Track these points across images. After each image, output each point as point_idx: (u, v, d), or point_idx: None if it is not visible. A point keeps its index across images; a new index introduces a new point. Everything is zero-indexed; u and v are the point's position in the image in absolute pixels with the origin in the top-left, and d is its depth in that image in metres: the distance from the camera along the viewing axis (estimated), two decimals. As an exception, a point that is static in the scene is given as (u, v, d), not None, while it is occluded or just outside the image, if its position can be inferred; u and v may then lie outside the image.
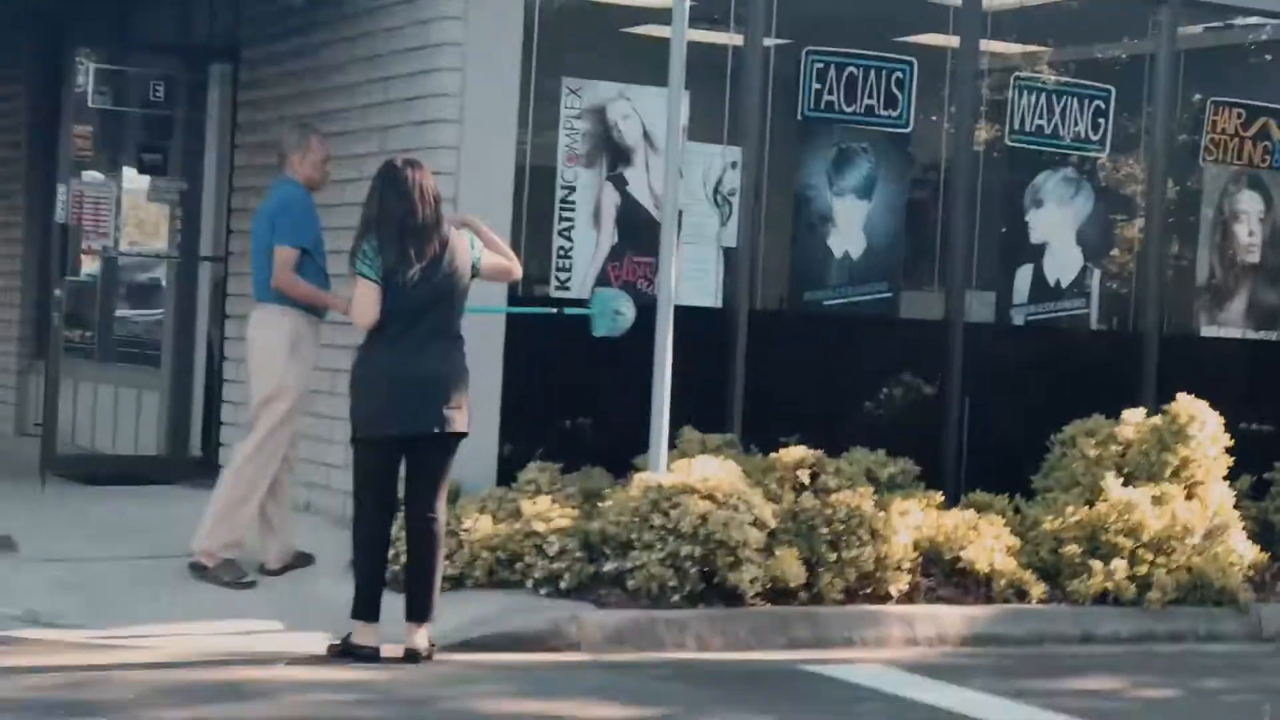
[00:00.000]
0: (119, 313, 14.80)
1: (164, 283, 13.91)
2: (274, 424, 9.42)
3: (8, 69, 15.67)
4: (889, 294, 11.65)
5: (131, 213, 13.78)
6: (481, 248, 8.48)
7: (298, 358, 9.42)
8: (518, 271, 8.83)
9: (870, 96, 11.41)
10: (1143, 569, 10.17)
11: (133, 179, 13.27)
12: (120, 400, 13.78)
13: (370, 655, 8.08)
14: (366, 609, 8.17)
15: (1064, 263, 12.16)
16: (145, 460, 13.22)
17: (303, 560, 9.70)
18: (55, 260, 12.65)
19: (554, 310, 10.04)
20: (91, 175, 13.33)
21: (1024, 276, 12.09)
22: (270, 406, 9.43)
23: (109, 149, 14.05)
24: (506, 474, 10.18)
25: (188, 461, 13.07)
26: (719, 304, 11.12)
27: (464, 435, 8.33)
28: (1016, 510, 10.69)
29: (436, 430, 8.18)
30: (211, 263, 13.15)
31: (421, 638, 8.17)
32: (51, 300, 12.63)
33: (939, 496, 10.42)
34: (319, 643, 8.34)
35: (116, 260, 14.28)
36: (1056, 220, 12.15)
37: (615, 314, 9.58)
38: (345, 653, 8.14)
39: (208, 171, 13.24)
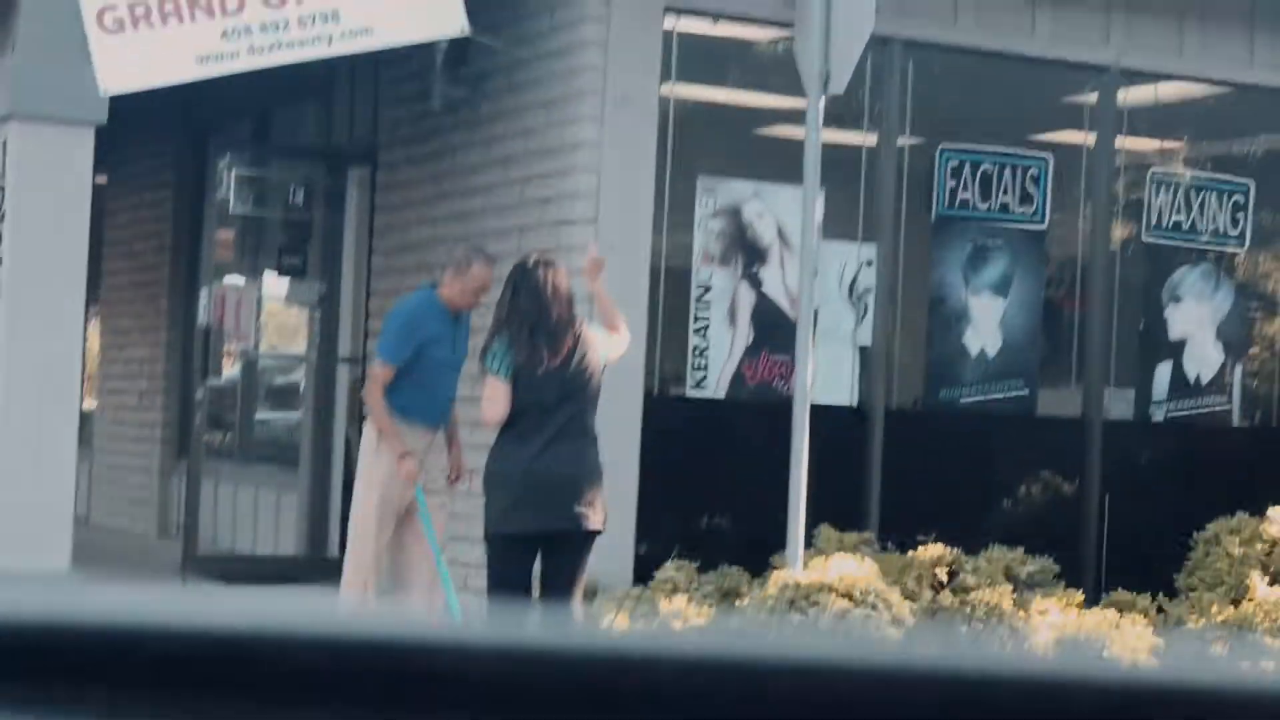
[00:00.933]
0: (259, 414, 14.97)
1: (302, 384, 14.07)
2: (359, 516, 9.15)
3: (156, 175, 15.98)
4: (1026, 392, 11.57)
5: (271, 315, 13.96)
6: (609, 346, 8.46)
7: (381, 458, 9.05)
8: (626, 343, 8.72)
9: (1005, 193, 11.39)
10: (1290, 669, 9.99)
11: (272, 282, 13.45)
12: (260, 501, 13.92)
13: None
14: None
15: (1204, 359, 12.04)
16: (284, 561, 13.33)
17: None
18: (197, 363, 12.83)
19: None
20: (232, 278, 13.54)
21: (1163, 373, 11.99)
22: (356, 502, 9.24)
23: (249, 252, 14.27)
24: (643, 572, 10.17)
25: (326, 562, 13.16)
26: (854, 402, 11.11)
27: (598, 533, 8.29)
28: (1160, 609, 10.55)
29: (570, 528, 8.15)
30: (349, 364, 13.29)
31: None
32: (193, 402, 12.81)
33: (1079, 595, 10.29)
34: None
35: (256, 362, 14.47)
36: (1196, 316, 12.04)
37: None
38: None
39: (345, 274, 13.40)
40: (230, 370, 14.37)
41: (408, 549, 9.25)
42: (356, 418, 12.94)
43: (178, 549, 13.86)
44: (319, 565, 13.12)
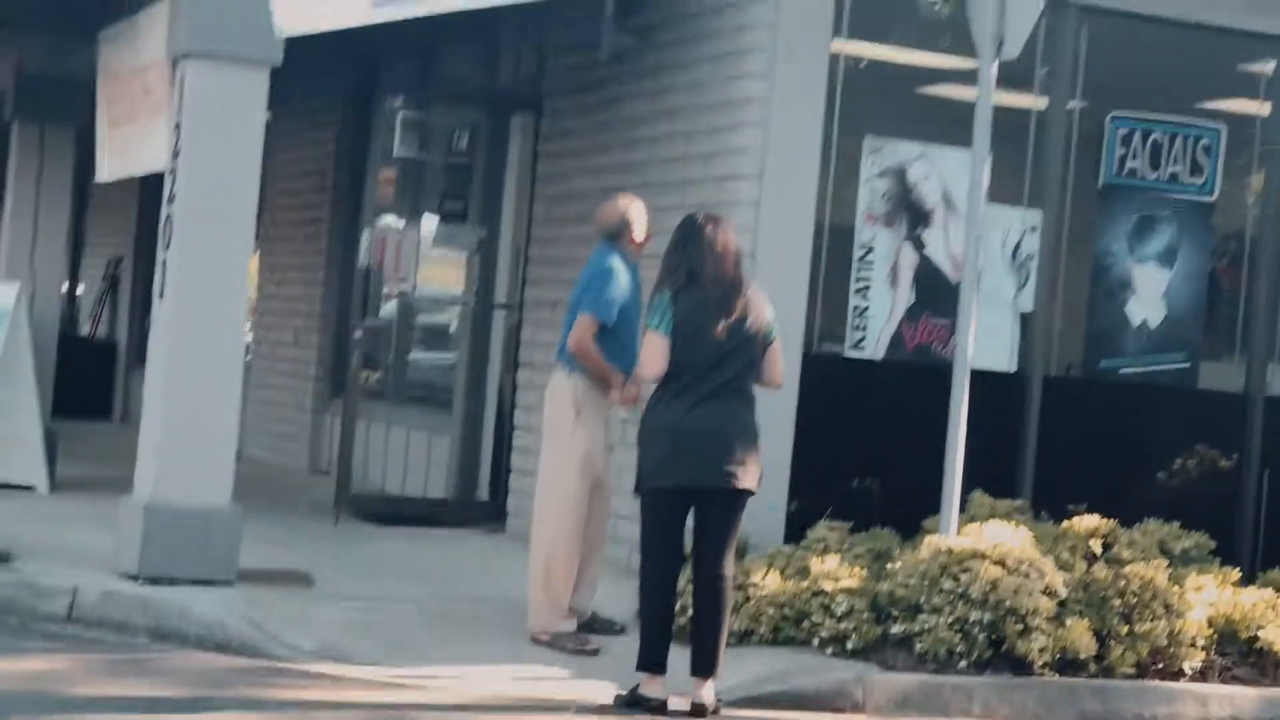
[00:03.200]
0: (413, 356, 15.06)
1: (457, 328, 14.14)
2: (558, 491, 9.24)
3: (320, 115, 16.08)
4: (1187, 364, 11.45)
5: (429, 258, 14.02)
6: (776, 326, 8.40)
7: (583, 423, 9.21)
8: (780, 383, 8.71)
9: (1175, 163, 11.24)
10: None
11: (432, 225, 13.50)
12: (411, 442, 14.02)
13: (658, 707, 8.10)
14: (654, 660, 8.18)
15: (1371, 338, 11.85)
16: (434, 503, 13.43)
17: (603, 626, 9.50)
18: (356, 302, 12.92)
19: None
20: (393, 220, 13.61)
21: (1328, 351, 11.82)
22: (553, 473, 9.29)
23: (410, 195, 14.34)
24: (795, 531, 10.16)
25: (476, 506, 13.27)
26: (1013, 368, 11.02)
27: (751, 493, 8.27)
28: (1317, 592, 10.38)
29: (721, 485, 8.14)
30: (505, 310, 13.35)
31: (708, 692, 8.16)
32: (351, 342, 12.91)
33: (1235, 573, 10.16)
34: (604, 691, 8.39)
35: (413, 305, 14.55)
36: (1364, 294, 11.84)
37: None
38: (632, 703, 8.16)
39: (505, 220, 13.44)
40: (386, 311, 14.46)
41: (589, 521, 9.33)
42: (512, 365, 13.01)
43: (328, 485, 14.00)
44: (468, 509, 13.23)
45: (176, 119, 9.67)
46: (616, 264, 9.21)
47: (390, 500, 13.61)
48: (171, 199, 9.64)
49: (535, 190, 12.81)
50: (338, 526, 12.37)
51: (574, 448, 9.21)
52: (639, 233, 9.32)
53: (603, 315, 9.10)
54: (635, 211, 9.36)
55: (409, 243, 13.18)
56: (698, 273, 8.13)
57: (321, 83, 15.56)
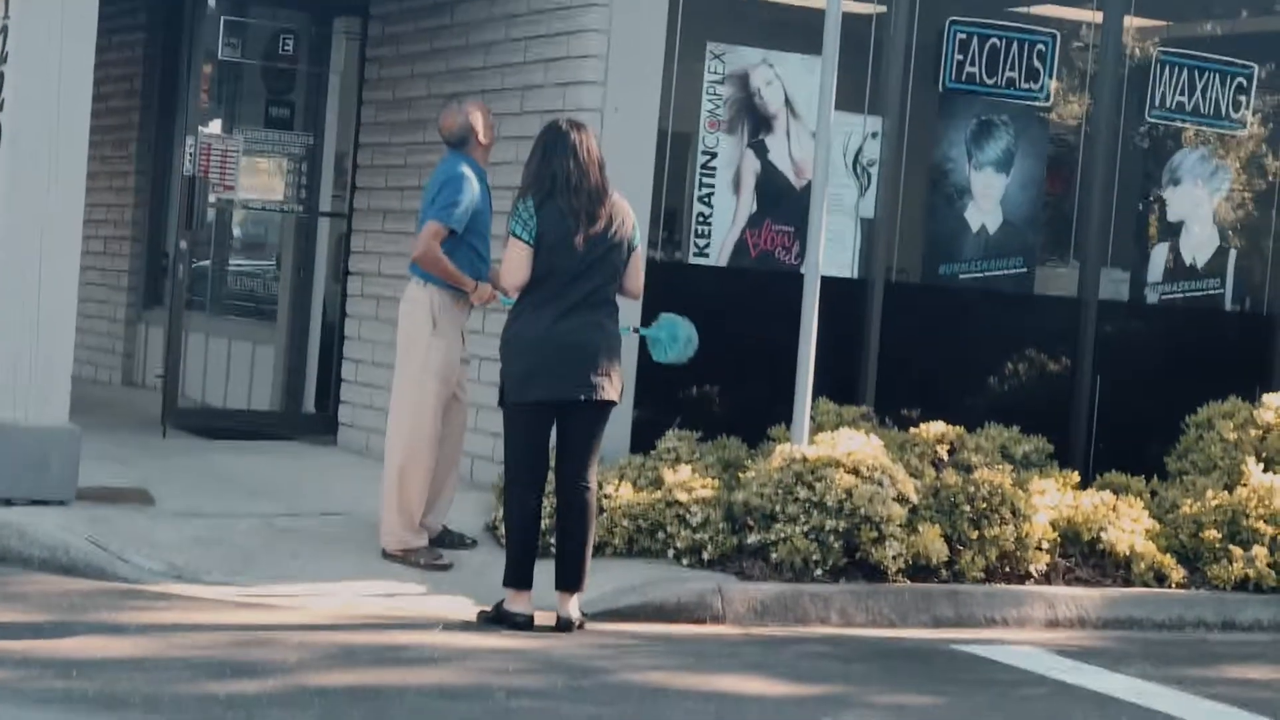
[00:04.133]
0: (236, 265, 14.73)
1: (282, 237, 13.84)
2: (415, 403, 9.05)
3: (128, 16, 15.58)
4: (1024, 269, 11.52)
5: (251, 165, 13.67)
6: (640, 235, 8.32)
7: (440, 335, 9.04)
8: (639, 293, 8.55)
9: (1012, 69, 11.27)
10: (1284, 556, 10.04)
11: (255, 132, 13.15)
12: (234, 354, 13.74)
13: (524, 623, 8.01)
14: (519, 576, 8.08)
15: (1200, 242, 12.02)
16: (261, 415, 13.19)
17: (454, 540, 9.35)
18: (181, 212, 12.59)
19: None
20: (214, 126, 13.25)
21: (1159, 255, 11.97)
22: (410, 385, 9.11)
23: (231, 100, 13.98)
24: (640, 441, 10.10)
25: (304, 418, 13.05)
26: (855, 274, 11.02)
27: (614, 404, 8.20)
28: (1153, 493, 10.54)
29: (585, 397, 8.05)
30: (331, 218, 13.09)
31: (574, 607, 8.09)
32: (175, 253, 12.59)
33: (1075, 476, 10.28)
34: (464, 607, 8.30)
35: (234, 213, 14.22)
36: (1194, 199, 12.01)
37: (685, 341, 8.81)
38: (498, 619, 8.07)
39: (330, 127, 13.15)
40: (207, 220, 14.10)
41: (444, 436, 9.18)
42: (339, 275, 12.77)
43: (145, 399, 13.72)
44: (296, 421, 13.02)
45: (3, 21, 9.30)
46: (466, 171, 9.03)
47: (217, 413, 13.34)
48: (0, 106, 9.28)
49: (363, 96, 12.53)
50: (166, 440, 12.10)
51: (430, 361, 9.04)
52: (484, 136, 9.15)
53: (451, 222, 8.92)
54: (478, 117, 9.18)
55: (234, 150, 12.83)
56: (562, 180, 7.98)
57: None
